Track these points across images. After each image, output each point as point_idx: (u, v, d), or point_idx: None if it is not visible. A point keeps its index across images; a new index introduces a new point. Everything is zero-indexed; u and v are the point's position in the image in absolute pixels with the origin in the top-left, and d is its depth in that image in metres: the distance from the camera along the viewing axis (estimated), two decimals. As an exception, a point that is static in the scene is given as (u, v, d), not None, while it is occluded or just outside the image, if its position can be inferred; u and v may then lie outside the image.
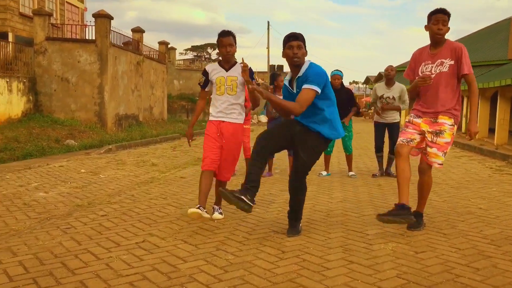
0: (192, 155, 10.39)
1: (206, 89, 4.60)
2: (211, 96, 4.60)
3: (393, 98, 7.14)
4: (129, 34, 17.79)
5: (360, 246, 3.70)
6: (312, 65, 3.83)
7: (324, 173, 7.45)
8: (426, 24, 4.16)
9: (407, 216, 3.94)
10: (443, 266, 3.24)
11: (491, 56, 22.62)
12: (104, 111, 14.62)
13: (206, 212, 4.23)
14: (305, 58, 3.85)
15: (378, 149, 7.46)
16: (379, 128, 7.42)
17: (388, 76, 7.19)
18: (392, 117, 7.29)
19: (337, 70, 7.34)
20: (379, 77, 41.62)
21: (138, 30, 18.36)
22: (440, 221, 4.51)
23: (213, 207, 4.66)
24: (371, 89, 45.39)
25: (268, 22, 40.54)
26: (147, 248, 3.55)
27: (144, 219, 4.48)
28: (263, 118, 26.70)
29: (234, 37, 4.38)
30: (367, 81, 53.87)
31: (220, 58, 4.57)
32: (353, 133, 7.77)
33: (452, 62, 4.06)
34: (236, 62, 4.47)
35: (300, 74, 3.81)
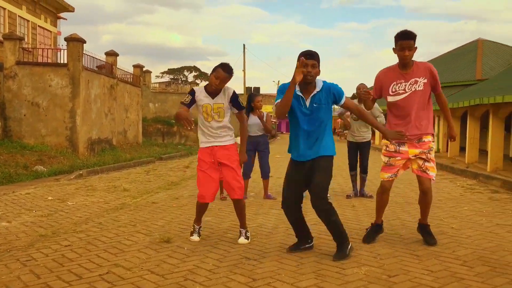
0: (165, 179, 10.20)
1: (189, 109, 4.47)
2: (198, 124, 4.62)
3: None
4: (103, 57, 17.64)
5: (333, 271, 3.61)
6: (328, 83, 3.96)
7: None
8: (394, 47, 4.22)
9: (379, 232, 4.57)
10: (416, 290, 3.18)
11: (460, 76, 23.26)
12: (75, 136, 14.33)
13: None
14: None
15: (352, 167, 7.50)
16: (352, 147, 7.51)
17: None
18: (362, 137, 7.37)
19: None
20: (353, 98, 42.36)
21: (111, 54, 18.23)
22: (413, 242, 4.48)
23: (240, 231, 4.64)
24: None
25: (244, 45, 40.96)
26: (111, 280, 3.39)
27: (110, 248, 4.31)
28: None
29: (231, 77, 4.37)
30: (342, 102, 54.54)
31: (207, 83, 4.53)
32: None
33: (426, 81, 4.22)
34: (221, 89, 4.44)
35: (317, 90, 3.89)
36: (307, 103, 3.91)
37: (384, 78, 4.34)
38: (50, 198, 7.37)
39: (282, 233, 4.88)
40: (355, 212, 6.12)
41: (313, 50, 3.88)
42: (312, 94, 3.90)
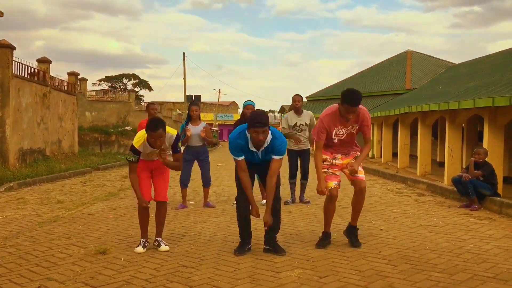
0: (102, 189, 9.96)
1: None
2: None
3: (306, 124, 7.48)
4: (35, 64, 16.91)
5: (267, 275, 3.75)
6: (275, 135, 4.34)
7: None
8: (340, 102, 4.56)
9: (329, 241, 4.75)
10: (344, 289, 3.38)
11: (391, 86, 24.56)
12: (5, 146, 13.60)
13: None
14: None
15: (292, 175, 7.67)
16: (293, 155, 7.64)
17: (296, 106, 7.52)
18: (304, 144, 7.57)
19: (249, 100, 7.52)
20: (293, 106, 43.30)
21: (44, 61, 17.50)
22: (344, 244, 4.73)
23: (156, 240, 4.72)
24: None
25: (184, 53, 40.72)
26: (43, 294, 3.32)
27: (42, 262, 4.19)
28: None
29: (163, 129, 4.38)
30: (282, 110, 55.65)
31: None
32: None
33: (357, 126, 4.71)
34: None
35: (265, 145, 4.31)
36: (260, 154, 4.43)
37: (329, 123, 4.68)
38: (-24, 212, 6.99)
39: (220, 241, 4.97)
40: (291, 217, 6.32)
41: (260, 111, 4.34)
42: (262, 149, 4.37)
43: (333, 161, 4.75)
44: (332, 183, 4.66)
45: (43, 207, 7.49)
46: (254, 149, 4.36)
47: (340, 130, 4.69)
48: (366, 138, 4.89)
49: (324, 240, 4.73)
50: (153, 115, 6.74)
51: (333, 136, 4.70)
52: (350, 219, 4.88)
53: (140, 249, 4.58)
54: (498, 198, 6.55)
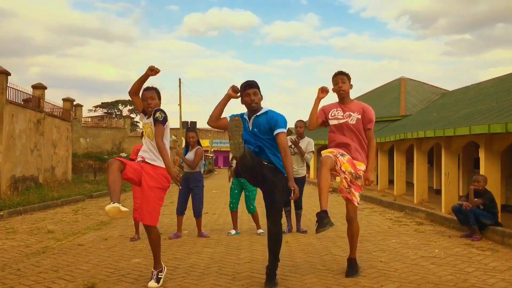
0: (95, 218, 9.73)
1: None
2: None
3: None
4: (30, 90, 16.84)
5: (264, 311, 3.56)
6: (272, 111, 4.25)
7: (233, 231, 7.32)
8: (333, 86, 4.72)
9: (329, 221, 4.13)
10: (345, 328, 3.19)
11: (386, 112, 24.64)
12: (-3, 174, 13.38)
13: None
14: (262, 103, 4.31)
15: (286, 203, 7.48)
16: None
17: (298, 133, 7.43)
18: (297, 172, 7.39)
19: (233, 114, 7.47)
20: (289, 133, 43.31)
21: (39, 87, 17.46)
22: (344, 277, 4.53)
23: (152, 272, 4.41)
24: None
25: (180, 80, 40.89)
26: (25, 335, 3.11)
27: (28, 298, 3.98)
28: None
29: (157, 91, 4.56)
30: (278, 136, 55.61)
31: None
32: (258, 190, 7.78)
33: (359, 117, 4.60)
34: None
35: (258, 113, 4.23)
36: (250, 124, 4.27)
37: (327, 108, 4.79)
38: (-38, 243, 6.76)
39: (215, 273, 4.77)
40: (288, 248, 6.13)
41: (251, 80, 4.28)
42: (253, 116, 4.26)
43: (339, 156, 4.43)
44: (327, 154, 4.43)
45: (33, 237, 7.27)
46: (246, 118, 4.27)
47: (338, 111, 4.68)
48: (369, 132, 4.63)
49: (321, 221, 4.09)
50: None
51: (330, 117, 4.69)
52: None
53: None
54: (500, 228, 6.41)
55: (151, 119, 4.41)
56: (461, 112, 14.96)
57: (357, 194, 4.56)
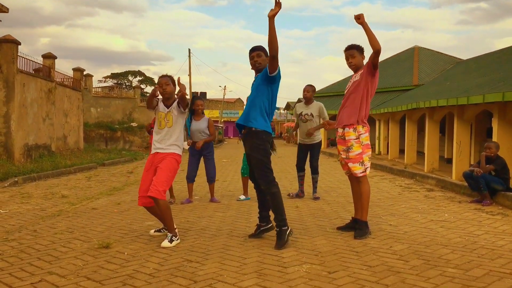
0: (107, 185, 9.88)
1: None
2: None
3: (311, 115, 7.29)
4: (40, 60, 16.85)
5: (274, 270, 3.63)
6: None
7: (243, 197, 7.39)
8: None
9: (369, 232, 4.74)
10: (354, 285, 3.25)
11: (398, 82, 24.30)
12: (10, 142, 13.56)
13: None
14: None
15: (300, 168, 7.51)
16: (302, 150, 7.49)
17: (304, 96, 7.38)
18: (311, 139, 7.38)
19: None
20: (299, 101, 43.06)
21: (49, 56, 17.45)
22: (353, 239, 4.59)
23: (167, 234, 4.67)
24: (291, 114, 46.40)
25: (189, 50, 40.62)
26: (43, 288, 3.22)
27: (44, 256, 4.10)
28: (185, 145, 26.32)
29: (171, 78, 4.99)
30: (288, 107, 55.50)
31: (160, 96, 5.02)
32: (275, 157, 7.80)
33: (362, 71, 4.71)
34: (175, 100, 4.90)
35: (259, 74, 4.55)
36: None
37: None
38: (-20, 206, 6.93)
39: (226, 235, 4.85)
40: (299, 212, 6.19)
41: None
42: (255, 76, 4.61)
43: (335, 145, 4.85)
44: (344, 171, 5.06)
45: (47, 202, 7.42)
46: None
47: (351, 80, 4.86)
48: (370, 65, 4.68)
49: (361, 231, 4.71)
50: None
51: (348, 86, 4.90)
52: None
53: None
54: (511, 193, 6.39)
55: (169, 108, 4.85)
56: (475, 81, 14.70)
57: (357, 164, 4.69)
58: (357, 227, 4.75)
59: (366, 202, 4.77)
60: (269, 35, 4.14)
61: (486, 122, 13.94)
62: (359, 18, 4.44)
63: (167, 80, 4.94)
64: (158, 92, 4.90)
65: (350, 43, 4.83)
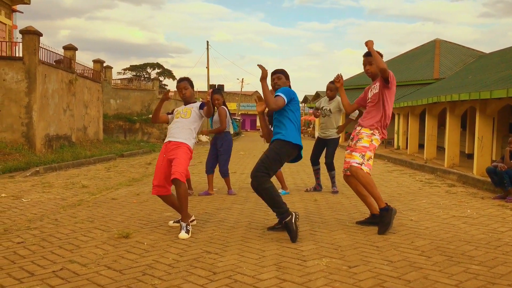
0: (126, 175, 9.97)
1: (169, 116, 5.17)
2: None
3: (330, 110, 7.25)
4: (61, 51, 17.05)
5: (294, 263, 3.60)
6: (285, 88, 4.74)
7: (282, 191, 7.30)
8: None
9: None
10: (375, 280, 3.21)
11: (418, 76, 23.91)
12: (32, 132, 13.79)
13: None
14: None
15: (314, 162, 7.47)
16: (318, 143, 7.46)
17: (328, 95, 7.32)
18: (327, 135, 7.33)
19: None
20: (316, 96, 42.73)
21: (70, 48, 17.65)
22: (373, 234, 4.54)
23: (180, 224, 4.61)
24: (309, 108, 46.01)
25: (208, 42, 40.68)
26: (65, 277, 3.25)
27: (66, 244, 4.14)
28: (204, 138, 26.42)
29: (189, 81, 5.05)
30: (305, 100, 55.18)
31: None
32: None
33: (377, 83, 4.81)
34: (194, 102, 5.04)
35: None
36: None
37: (368, 88, 5.11)
38: (3, 195, 7.05)
39: (245, 227, 4.84)
40: (317, 205, 6.15)
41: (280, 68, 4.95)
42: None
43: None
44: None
45: (68, 191, 7.52)
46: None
47: (371, 90, 4.96)
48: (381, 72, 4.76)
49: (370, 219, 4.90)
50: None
51: (368, 96, 4.99)
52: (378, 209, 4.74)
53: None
54: (536, 190, 6.23)
55: (188, 106, 4.97)
56: (498, 74, 14.37)
57: (357, 154, 4.68)
58: (379, 220, 4.65)
59: (374, 190, 4.61)
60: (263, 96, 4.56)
61: (509, 117, 13.63)
62: (367, 44, 4.74)
63: (185, 84, 4.97)
64: (169, 95, 4.95)
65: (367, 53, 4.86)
